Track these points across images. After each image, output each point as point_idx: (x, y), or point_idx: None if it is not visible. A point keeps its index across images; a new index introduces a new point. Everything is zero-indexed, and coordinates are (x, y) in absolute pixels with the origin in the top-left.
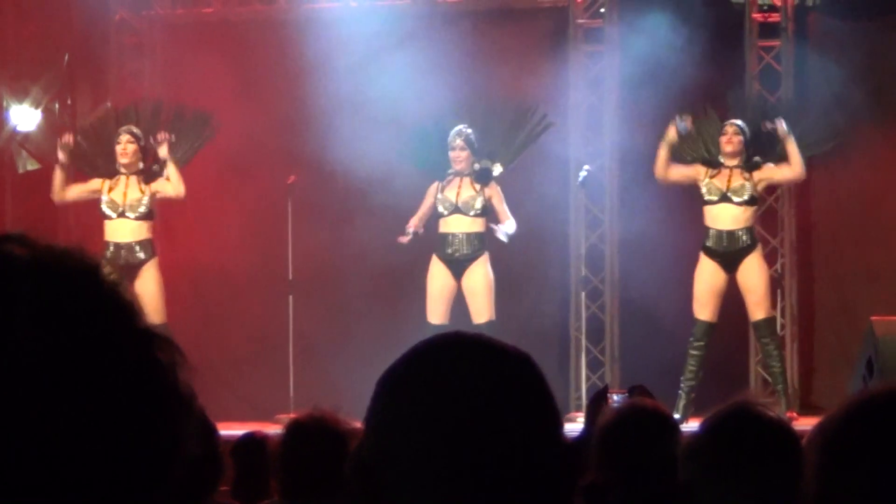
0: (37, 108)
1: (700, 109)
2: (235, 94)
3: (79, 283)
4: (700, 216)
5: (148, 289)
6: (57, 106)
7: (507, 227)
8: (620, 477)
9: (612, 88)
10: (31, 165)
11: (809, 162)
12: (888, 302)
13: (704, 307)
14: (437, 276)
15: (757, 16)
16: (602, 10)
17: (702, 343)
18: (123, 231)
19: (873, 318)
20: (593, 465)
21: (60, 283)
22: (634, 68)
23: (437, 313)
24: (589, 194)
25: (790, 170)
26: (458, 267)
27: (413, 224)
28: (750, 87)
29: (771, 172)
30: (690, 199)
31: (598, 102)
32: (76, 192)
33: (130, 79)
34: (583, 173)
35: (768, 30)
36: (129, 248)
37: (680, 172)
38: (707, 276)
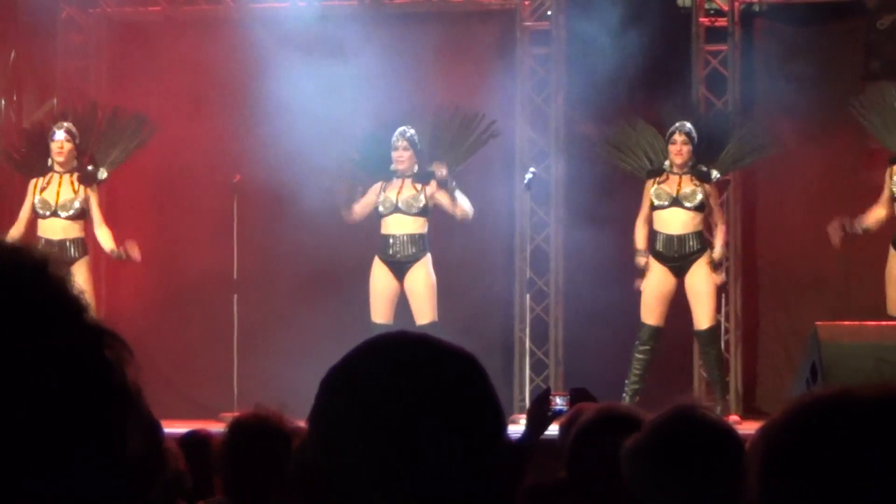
0: None
1: (642, 115)
2: (182, 91)
3: (27, 279)
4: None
5: None
6: (3, 102)
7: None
8: (592, 478)
9: (558, 91)
10: None
11: (756, 167)
12: (833, 307)
13: (652, 312)
14: (380, 278)
15: (704, 20)
16: (549, 13)
17: (647, 347)
18: (55, 229)
19: (818, 323)
20: (563, 465)
21: (8, 278)
22: (581, 71)
23: (380, 313)
24: (534, 196)
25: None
26: (399, 268)
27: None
28: (696, 92)
29: (712, 199)
30: (635, 202)
31: (544, 105)
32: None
33: (76, 76)
34: (528, 175)
35: (715, 34)
36: (60, 245)
37: (646, 211)
38: (656, 282)
